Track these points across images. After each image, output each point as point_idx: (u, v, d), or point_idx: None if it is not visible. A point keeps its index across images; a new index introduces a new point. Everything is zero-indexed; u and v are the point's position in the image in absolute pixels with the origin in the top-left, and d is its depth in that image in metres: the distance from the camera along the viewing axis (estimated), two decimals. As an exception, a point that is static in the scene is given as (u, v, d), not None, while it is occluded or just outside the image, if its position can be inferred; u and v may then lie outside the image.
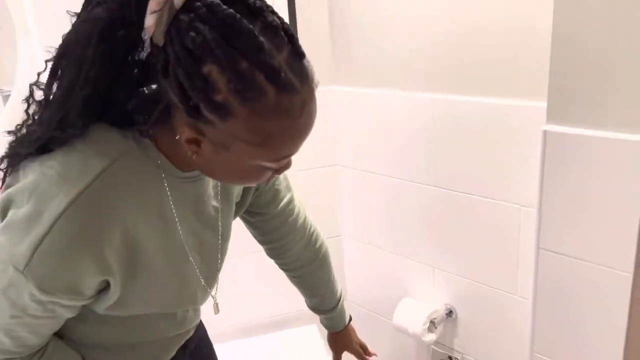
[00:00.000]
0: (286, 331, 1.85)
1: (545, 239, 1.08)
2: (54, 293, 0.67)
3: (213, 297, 0.95)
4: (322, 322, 1.29)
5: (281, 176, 1.01)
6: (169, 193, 0.74)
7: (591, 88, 0.96)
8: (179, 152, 0.70)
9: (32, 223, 0.64)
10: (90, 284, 0.70)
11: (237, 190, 0.92)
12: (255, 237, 1.11)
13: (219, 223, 0.88)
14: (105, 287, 0.74)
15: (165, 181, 0.74)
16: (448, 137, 1.41)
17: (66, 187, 0.65)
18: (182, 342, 0.97)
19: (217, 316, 1.63)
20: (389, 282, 1.74)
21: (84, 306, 0.76)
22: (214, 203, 0.85)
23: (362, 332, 1.89)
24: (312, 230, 1.13)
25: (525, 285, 1.35)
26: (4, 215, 0.67)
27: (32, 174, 0.67)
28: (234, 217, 0.98)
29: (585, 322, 1.08)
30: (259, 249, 1.78)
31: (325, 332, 1.82)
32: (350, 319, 1.30)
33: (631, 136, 0.91)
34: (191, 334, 1.00)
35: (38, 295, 0.66)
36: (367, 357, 1.35)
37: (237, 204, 0.95)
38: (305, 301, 1.26)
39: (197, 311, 1.00)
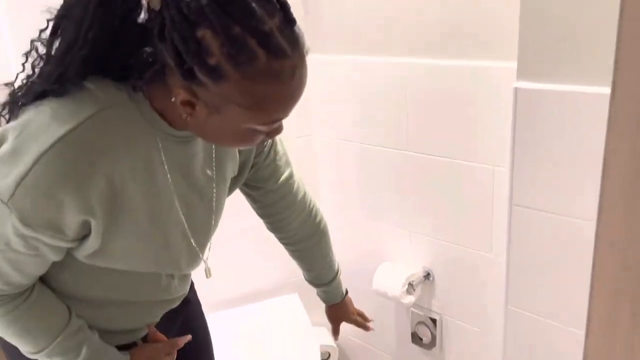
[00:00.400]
0: (268, 301, 1.88)
1: (518, 195, 1.11)
2: (35, 228, 0.68)
3: (205, 262, 0.96)
4: (319, 295, 1.31)
5: (281, 151, 1.03)
6: (160, 149, 0.76)
7: (560, 43, 0.98)
8: (173, 112, 0.72)
9: (18, 157, 0.66)
10: (72, 223, 0.71)
11: (231, 163, 0.92)
12: (255, 210, 1.12)
13: (213, 194, 0.89)
14: (87, 234, 0.75)
15: (157, 137, 0.75)
16: (421, 101, 1.42)
17: (56, 125, 0.67)
18: (167, 310, 0.99)
19: (198, 288, 1.63)
20: (367, 248, 1.76)
21: (67, 254, 0.77)
22: (207, 171, 0.86)
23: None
24: (311, 205, 1.14)
25: (500, 244, 1.39)
26: None
27: (27, 114, 0.70)
28: (230, 192, 0.98)
29: (556, 273, 1.12)
30: (241, 220, 1.80)
31: (307, 300, 1.86)
32: (347, 292, 1.33)
33: (600, 89, 0.93)
34: (177, 303, 1.01)
35: (20, 228, 0.68)
36: (367, 323, 1.38)
37: (234, 178, 0.96)
38: (303, 274, 1.28)
39: (183, 282, 1.01)
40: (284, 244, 1.19)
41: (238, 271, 1.85)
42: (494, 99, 1.25)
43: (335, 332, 1.39)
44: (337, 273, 1.26)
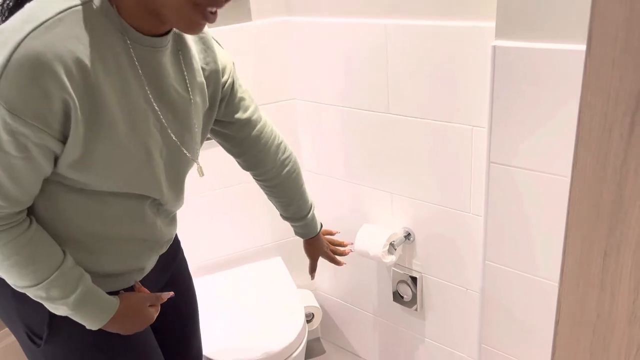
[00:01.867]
0: (252, 264, 1.90)
1: (496, 153, 1.14)
2: (23, 117, 0.72)
3: (196, 162, 1.00)
4: (296, 232, 1.38)
5: (243, 86, 1.10)
6: (133, 55, 0.82)
7: (538, 1, 0.99)
8: (141, 20, 0.80)
9: (0, 50, 0.71)
10: (56, 112, 0.75)
11: (200, 93, 0.97)
12: (230, 151, 1.18)
13: (192, 118, 0.94)
14: (69, 136, 0.78)
15: (128, 41, 0.81)
16: (400, 62, 1.43)
17: (32, 19, 0.73)
18: (155, 255, 1.02)
19: (189, 254, 1.65)
20: (349, 211, 1.79)
21: (53, 181, 0.82)
22: (180, 90, 0.91)
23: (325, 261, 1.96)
24: (280, 139, 1.22)
25: (478, 203, 1.43)
26: None
27: (9, 21, 0.75)
28: (206, 128, 1.03)
29: (533, 228, 1.16)
30: (223, 187, 1.80)
31: (290, 263, 1.89)
32: (322, 226, 1.41)
33: (576, 46, 0.95)
34: (164, 248, 1.05)
35: (9, 120, 0.72)
36: (341, 254, 1.46)
37: (207, 113, 1.01)
38: (281, 214, 1.34)
39: (169, 224, 1.04)
40: (261, 181, 1.26)
41: (222, 235, 1.86)
42: (473, 59, 1.26)
43: (313, 269, 1.47)
44: (312, 205, 1.34)
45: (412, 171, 1.55)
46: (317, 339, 2.17)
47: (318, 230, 1.39)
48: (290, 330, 1.55)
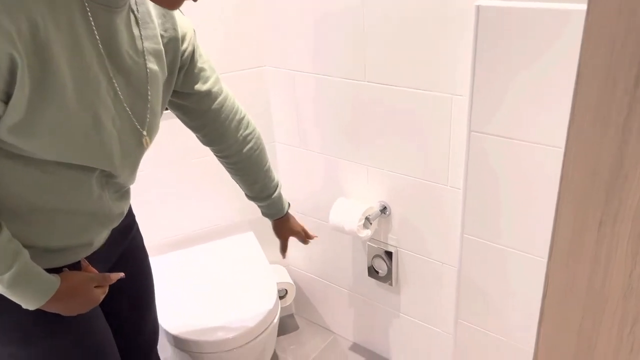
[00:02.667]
0: (224, 240, 1.84)
1: (477, 121, 1.09)
2: None
3: (143, 133, 0.91)
4: (263, 213, 1.34)
5: (204, 55, 1.04)
6: (89, 15, 0.75)
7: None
8: None
9: None
10: (0, 69, 0.68)
11: (157, 61, 0.90)
12: (189, 125, 1.12)
13: (147, 88, 0.88)
14: (11, 98, 0.72)
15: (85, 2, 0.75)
16: (377, 26, 1.36)
17: None
18: (105, 229, 0.96)
19: (155, 228, 1.57)
20: (324, 184, 1.73)
21: None
22: (134, 56, 0.85)
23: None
24: (243, 114, 1.16)
25: (456, 175, 1.38)
26: None
27: None
28: (165, 98, 0.97)
29: (512, 200, 1.12)
30: (194, 158, 1.72)
31: (263, 238, 1.83)
32: (289, 205, 1.36)
33: (563, 5, 0.90)
34: (115, 222, 0.99)
35: None
36: (309, 238, 1.44)
37: (166, 82, 0.95)
38: (246, 193, 1.29)
39: (119, 199, 0.97)
40: (223, 158, 1.20)
41: (192, 210, 1.79)
42: (455, 22, 1.20)
43: (283, 249, 1.44)
44: (278, 185, 1.30)
45: (389, 142, 1.49)
46: (291, 315, 2.13)
47: (286, 210, 1.35)
48: (262, 307, 1.50)
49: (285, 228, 1.37)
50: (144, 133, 0.91)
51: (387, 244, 1.65)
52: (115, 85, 0.82)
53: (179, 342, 1.42)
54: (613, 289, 0.55)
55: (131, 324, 1.17)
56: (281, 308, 2.03)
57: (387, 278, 1.69)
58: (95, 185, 0.88)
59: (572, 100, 0.50)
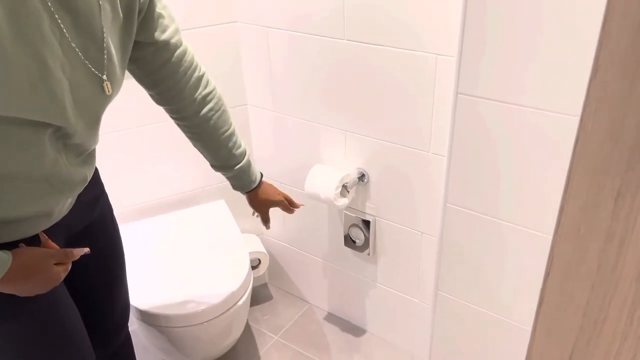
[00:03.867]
0: (193, 208, 1.75)
1: (465, 82, 1.01)
2: None
3: (102, 77, 0.80)
4: (234, 185, 1.24)
5: (164, 1, 0.93)
6: None
7: None
8: None
9: None
10: None
11: (110, 6, 0.79)
12: (145, 81, 1.00)
13: (98, 24, 0.76)
14: None
15: None
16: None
17: None
18: (62, 199, 0.85)
19: (119, 195, 1.46)
20: (299, 150, 1.65)
21: None
22: None
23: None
24: (202, 70, 1.05)
25: (439, 141, 1.31)
26: None
27: None
28: (125, 46, 0.86)
29: (500, 168, 1.05)
30: (161, 120, 1.61)
31: (235, 207, 1.74)
32: (262, 176, 1.27)
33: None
34: (77, 189, 0.88)
35: None
36: (294, 207, 1.35)
37: (122, 27, 0.83)
38: (211, 163, 1.19)
39: (79, 164, 0.86)
40: (181, 119, 1.08)
41: (159, 175, 1.69)
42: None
43: (266, 219, 1.33)
44: (246, 152, 1.19)
45: (368, 106, 1.41)
46: (264, 285, 2.07)
47: (257, 181, 1.24)
48: (233, 278, 1.42)
49: (260, 200, 1.27)
50: (104, 78, 0.79)
51: (364, 212, 1.59)
52: (60, 24, 0.70)
53: (146, 317, 1.34)
54: (627, 268, 0.49)
55: (101, 301, 1.09)
56: (254, 278, 1.96)
57: (364, 247, 1.63)
58: (50, 147, 0.76)
59: (596, 50, 0.43)
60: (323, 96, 1.49)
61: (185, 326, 1.35)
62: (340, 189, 1.50)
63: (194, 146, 1.14)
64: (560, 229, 0.51)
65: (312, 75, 1.48)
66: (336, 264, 1.78)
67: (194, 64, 1.02)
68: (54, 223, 0.87)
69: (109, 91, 0.81)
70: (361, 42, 1.32)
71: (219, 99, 1.08)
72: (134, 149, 1.60)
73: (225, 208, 1.75)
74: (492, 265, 1.17)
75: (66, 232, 0.92)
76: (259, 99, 1.66)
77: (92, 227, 1.00)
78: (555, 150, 0.96)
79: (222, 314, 1.37)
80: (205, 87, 1.05)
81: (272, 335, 1.84)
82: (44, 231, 0.85)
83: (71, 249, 0.83)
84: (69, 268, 0.83)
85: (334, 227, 1.71)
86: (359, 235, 1.63)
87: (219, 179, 1.81)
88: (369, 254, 1.64)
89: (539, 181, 1.01)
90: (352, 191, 1.54)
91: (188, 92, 1.02)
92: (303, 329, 1.87)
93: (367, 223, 1.58)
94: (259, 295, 2.02)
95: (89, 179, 0.91)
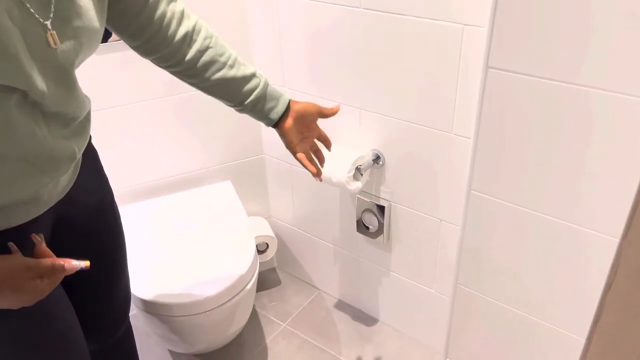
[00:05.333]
0: (198, 189, 1.66)
1: (496, 55, 0.90)
2: None
3: (49, 30, 0.65)
4: (265, 120, 1.02)
5: None
6: None
7: None
8: None
9: None
10: None
11: None
12: (125, 30, 0.85)
13: None
14: None
15: None
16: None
17: None
18: (49, 181, 0.74)
19: (120, 174, 1.36)
20: (310, 129, 1.54)
21: None
22: None
23: (284, 185, 1.74)
24: (182, 6, 0.89)
25: (463, 121, 1.20)
26: None
27: None
28: None
29: (533, 153, 0.94)
30: (164, 95, 1.51)
31: (241, 189, 1.65)
32: (289, 103, 1.04)
33: None
34: (64, 170, 0.77)
35: None
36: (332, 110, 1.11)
37: None
38: (233, 105, 0.99)
39: (66, 138, 0.76)
40: (172, 66, 0.92)
41: (162, 154, 1.61)
42: None
43: (311, 166, 1.05)
44: (261, 76, 1.00)
45: (385, 82, 1.29)
46: (273, 270, 1.99)
47: (285, 106, 1.01)
48: (238, 265, 1.34)
49: (297, 119, 1.03)
50: (48, 25, 0.65)
51: (379, 197, 1.49)
52: None
53: (146, 306, 1.27)
54: None
55: (101, 293, 1.01)
56: (262, 262, 1.88)
57: (378, 234, 1.54)
58: (21, 117, 0.65)
59: None
60: (336, 71, 1.38)
61: (187, 315, 1.27)
62: (353, 171, 1.40)
63: (208, 95, 0.98)
64: (632, 227, 0.41)
65: (324, 47, 1.37)
66: (348, 250, 1.69)
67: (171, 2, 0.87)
68: (47, 209, 0.77)
69: (54, 44, 0.66)
70: (379, 11, 1.21)
71: (206, 29, 0.92)
72: (133, 125, 1.51)
73: (231, 189, 1.66)
74: (518, 260, 1.07)
75: (59, 219, 0.83)
76: (268, 73, 1.55)
77: (90, 214, 0.91)
78: (595, 133, 0.85)
79: (225, 302, 1.29)
80: (190, 17, 0.90)
81: (280, 323, 1.76)
82: (36, 218, 0.75)
83: (61, 263, 0.68)
84: (58, 282, 0.70)
85: (346, 211, 1.61)
86: (372, 221, 1.53)
87: (226, 159, 1.72)
88: (382, 241, 1.54)
89: (577, 168, 0.90)
90: (366, 174, 1.44)
91: (174, 29, 0.87)
92: (312, 316, 1.79)
93: (381, 208, 1.49)
94: (266, 280, 1.94)
95: (78, 155, 0.79)
